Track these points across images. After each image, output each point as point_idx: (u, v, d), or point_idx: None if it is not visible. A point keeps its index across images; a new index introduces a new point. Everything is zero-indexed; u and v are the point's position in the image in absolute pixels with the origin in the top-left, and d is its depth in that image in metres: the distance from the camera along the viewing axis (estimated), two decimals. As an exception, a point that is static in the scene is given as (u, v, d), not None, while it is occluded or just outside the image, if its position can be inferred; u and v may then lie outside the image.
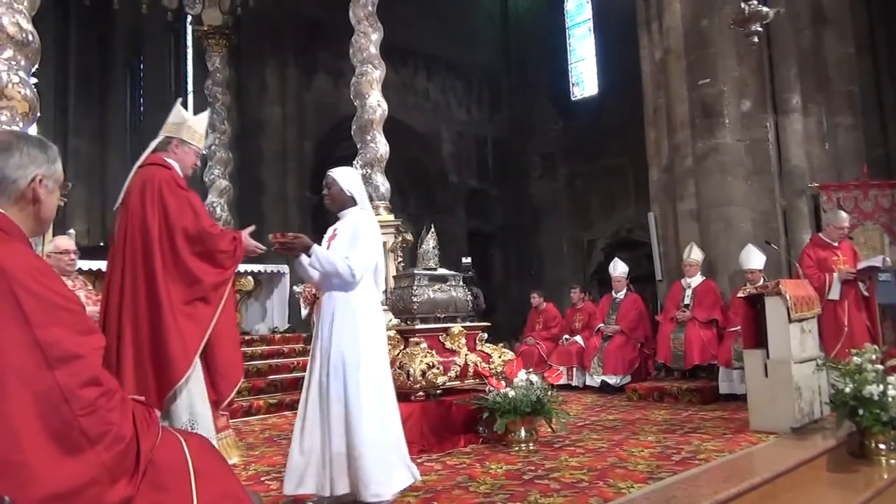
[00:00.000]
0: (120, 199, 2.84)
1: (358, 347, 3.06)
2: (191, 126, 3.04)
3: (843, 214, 6.12)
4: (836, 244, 5.95)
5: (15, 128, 4.99)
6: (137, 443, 1.50)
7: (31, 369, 1.38)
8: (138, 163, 2.90)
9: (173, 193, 2.73)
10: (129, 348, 2.56)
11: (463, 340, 4.99)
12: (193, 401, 2.64)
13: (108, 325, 2.65)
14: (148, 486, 1.50)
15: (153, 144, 2.96)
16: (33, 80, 5.51)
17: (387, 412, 3.14)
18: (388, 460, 3.07)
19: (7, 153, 1.58)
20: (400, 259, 8.79)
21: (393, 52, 12.31)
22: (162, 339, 2.58)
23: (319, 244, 3.21)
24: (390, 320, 6.46)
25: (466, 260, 10.46)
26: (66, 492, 1.36)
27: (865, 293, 5.78)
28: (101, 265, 6.66)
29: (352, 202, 3.33)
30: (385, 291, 8.33)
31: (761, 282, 5.95)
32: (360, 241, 3.13)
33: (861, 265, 5.80)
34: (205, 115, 3.29)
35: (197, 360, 2.68)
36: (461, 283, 5.30)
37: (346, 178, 3.35)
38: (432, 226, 5.42)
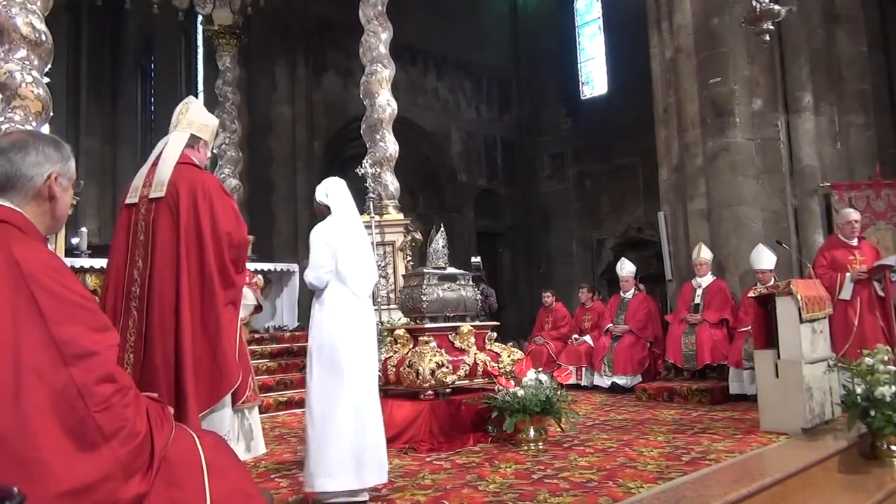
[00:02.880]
0: (161, 191, 2.73)
1: (316, 340, 3.26)
2: (216, 129, 3.11)
3: (849, 209, 6.06)
4: (853, 243, 5.88)
5: (28, 127, 5.04)
6: (152, 439, 1.51)
7: (48, 366, 1.40)
8: (175, 157, 2.81)
9: (221, 199, 2.78)
10: (189, 353, 2.55)
11: (472, 339, 4.99)
12: (229, 407, 2.74)
13: (151, 324, 2.61)
14: (162, 482, 1.51)
15: (183, 139, 2.89)
16: (46, 80, 5.55)
17: (343, 403, 3.15)
18: (327, 453, 3.09)
19: (23, 151, 1.61)
20: (409, 258, 8.81)
21: (402, 52, 12.34)
22: (220, 343, 2.61)
23: None
24: (399, 318, 6.48)
25: (476, 259, 10.46)
26: (81, 487, 1.38)
27: (881, 293, 5.71)
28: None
29: (328, 211, 3.47)
30: (394, 290, 8.39)
31: (772, 282, 5.91)
32: (309, 251, 3.37)
33: (874, 264, 5.75)
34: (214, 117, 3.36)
35: None
36: (470, 282, 5.31)
37: (318, 191, 3.53)
38: (442, 225, 5.44)
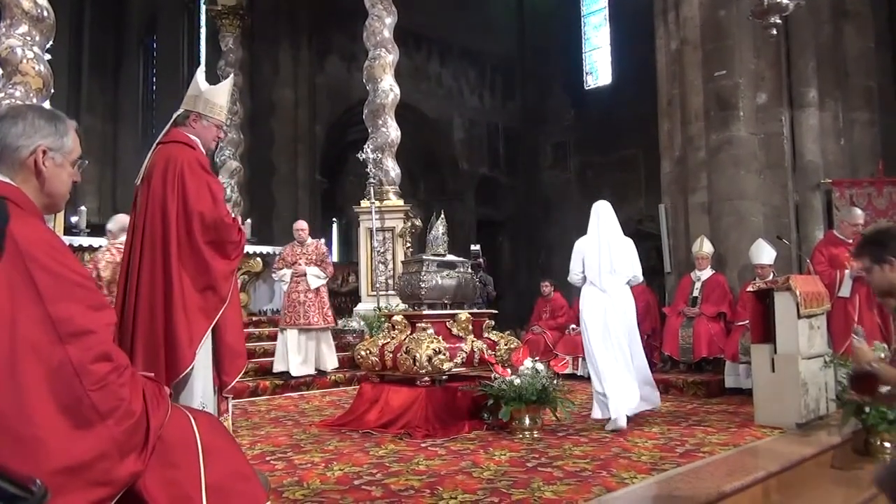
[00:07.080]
0: (141, 176, 2.77)
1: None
2: (208, 98, 2.90)
3: (858, 211, 6.05)
4: (850, 241, 5.88)
5: (28, 103, 5.02)
6: (147, 419, 1.51)
7: (44, 344, 1.39)
8: (159, 138, 2.82)
9: (194, 176, 2.67)
10: (141, 333, 2.55)
11: (470, 327, 4.99)
12: (206, 385, 2.66)
13: (126, 305, 2.64)
14: (157, 461, 1.51)
15: (172, 119, 2.88)
16: (47, 57, 5.52)
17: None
18: None
19: (13, 121, 1.58)
20: (408, 244, 8.81)
21: (407, 38, 12.28)
22: (172, 327, 2.56)
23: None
24: (397, 304, 6.48)
25: (475, 247, 10.46)
26: (77, 465, 1.38)
27: (879, 291, 5.72)
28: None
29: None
30: (393, 276, 8.39)
31: (771, 276, 5.91)
32: None
33: (873, 262, 5.75)
34: (226, 85, 3.09)
35: (207, 344, 2.67)
36: (469, 269, 5.30)
37: None
38: (442, 212, 5.43)
